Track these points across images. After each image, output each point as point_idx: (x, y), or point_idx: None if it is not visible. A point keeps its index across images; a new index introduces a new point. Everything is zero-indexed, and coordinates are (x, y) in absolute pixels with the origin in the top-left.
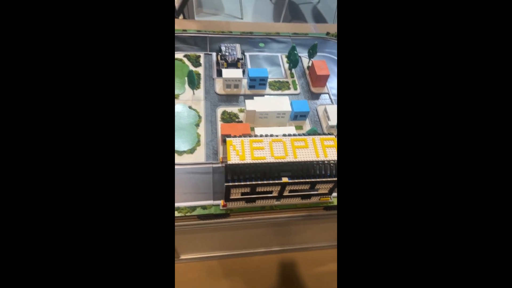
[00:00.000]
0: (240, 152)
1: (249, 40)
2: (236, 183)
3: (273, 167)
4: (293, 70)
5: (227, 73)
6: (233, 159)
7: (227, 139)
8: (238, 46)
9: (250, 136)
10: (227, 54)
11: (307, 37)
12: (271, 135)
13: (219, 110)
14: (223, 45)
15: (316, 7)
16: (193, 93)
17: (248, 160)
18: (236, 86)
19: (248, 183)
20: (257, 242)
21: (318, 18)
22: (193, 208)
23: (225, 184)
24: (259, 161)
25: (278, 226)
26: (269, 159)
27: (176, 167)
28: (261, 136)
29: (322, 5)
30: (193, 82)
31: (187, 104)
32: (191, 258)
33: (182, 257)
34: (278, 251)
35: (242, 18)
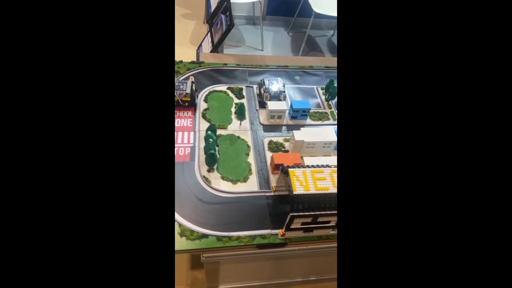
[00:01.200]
0: (304, 182)
1: (285, 73)
2: (301, 213)
3: (336, 197)
4: (330, 102)
5: (272, 105)
6: (298, 189)
7: (290, 169)
8: (279, 79)
9: (305, 166)
10: (269, 87)
11: None
12: (327, 166)
13: (266, 140)
14: (266, 78)
15: (331, 40)
16: (240, 124)
17: (312, 190)
18: (279, 117)
19: (312, 213)
20: (296, 272)
21: (333, 50)
22: (253, 237)
23: (290, 214)
24: (323, 191)
25: (327, 256)
26: (332, 190)
27: (231, 195)
28: (317, 166)
29: (336, 37)
30: (243, 113)
31: (236, 134)
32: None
33: (221, 286)
34: (315, 280)
35: (262, 50)
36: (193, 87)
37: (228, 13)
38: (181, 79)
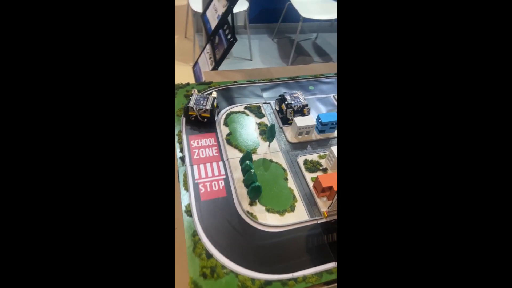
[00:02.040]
0: None
1: (296, 84)
2: None
3: None
4: None
5: (300, 121)
6: None
7: None
8: (299, 92)
9: None
10: (292, 102)
11: None
12: None
13: (300, 160)
14: (286, 93)
15: (316, 42)
16: (269, 145)
17: None
18: (308, 133)
19: None
20: None
21: (320, 52)
22: (320, 274)
23: None
24: None
25: None
26: None
27: (282, 229)
28: None
29: (320, 40)
30: (273, 135)
31: (267, 157)
32: None
33: None
34: None
35: (251, 59)
36: (215, 103)
37: (226, 27)
38: (205, 93)
